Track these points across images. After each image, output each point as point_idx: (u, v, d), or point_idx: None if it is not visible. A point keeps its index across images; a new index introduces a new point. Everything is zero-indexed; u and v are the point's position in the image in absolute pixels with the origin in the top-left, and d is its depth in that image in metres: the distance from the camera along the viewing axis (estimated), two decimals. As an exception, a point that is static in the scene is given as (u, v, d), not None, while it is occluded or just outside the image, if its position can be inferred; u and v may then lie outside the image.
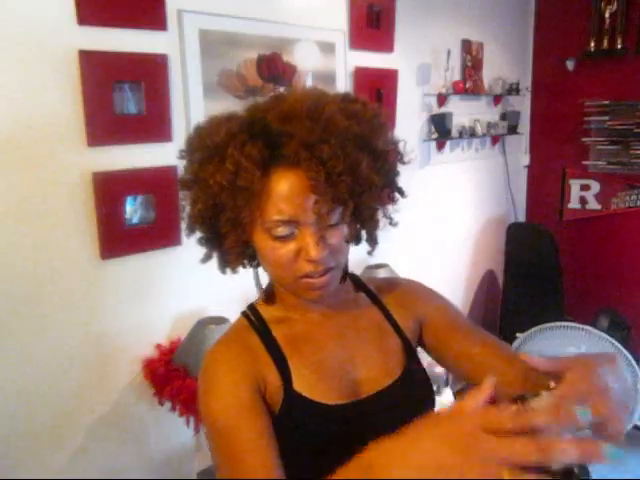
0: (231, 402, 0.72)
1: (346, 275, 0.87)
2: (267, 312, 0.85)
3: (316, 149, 0.68)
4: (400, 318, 0.88)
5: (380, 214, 0.81)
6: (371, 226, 0.80)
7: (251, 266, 0.86)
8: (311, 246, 0.71)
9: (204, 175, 0.71)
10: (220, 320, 1.68)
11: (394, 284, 0.93)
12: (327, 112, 0.72)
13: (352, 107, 0.75)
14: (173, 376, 1.62)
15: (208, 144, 0.71)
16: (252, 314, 0.85)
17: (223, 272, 0.82)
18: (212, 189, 0.71)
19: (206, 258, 0.81)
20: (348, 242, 0.78)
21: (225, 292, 1.91)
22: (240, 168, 0.68)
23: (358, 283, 0.92)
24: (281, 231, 0.71)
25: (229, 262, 0.79)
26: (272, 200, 0.70)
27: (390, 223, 0.84)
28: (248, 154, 0.68)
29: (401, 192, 0.84)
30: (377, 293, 0.90)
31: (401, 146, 0.82)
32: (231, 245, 0.75)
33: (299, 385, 0.77)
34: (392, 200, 0.83)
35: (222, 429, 0.71)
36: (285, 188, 0.70)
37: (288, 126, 0.70)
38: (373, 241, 0.82)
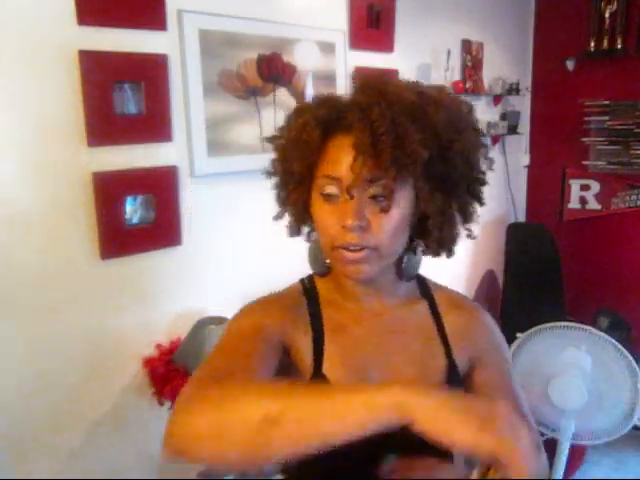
0: (251, 327, 0.77)
1: (407, 274, 0.84)
2: (323, 287, 0.87)
3: (367, 111, 0.71)
4: (456, 346, 0.84)
5: (458, 219, 0.80)
6: (437, 220, 0.77)
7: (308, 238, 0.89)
8: (348, 212, 0.73)
9: (285, 132, 0.81)
10: (220, 320, 1.68)
11: (463, 307, 0.89)
12: (393, 85, 0.76)
13: (425, 90, 0.77)
14: (173, 376, 1.62)
15: (296, 108, 0.81)
16: (308, 283, 0.89)
17: (290, 235, 0.90)
18: (286, 142, 0.80)
19: (277, 217, 0.88)
20: (407, 234, 0.78)
21: (225, 292, 1.91)
22: (306, 124, 0.76)
23: (425, 289, 0.89)
24: (329, 189, 0.75)
25: (292, 223, 0.87)
26: (326, 158, 0.76)
27: (468, 236, 0.84)
28: (315, 114, 0.76)
29: (479, 199, 0.81)
30: (441, 308, 0.87)
31: (483, 149, 0.80)
32: (293, 202, 0.82)
33: (328, 371, 0.78)
34: (468, 203, 0.80)
35: (230, 338, 0.76)
36: (337, 149, 0.75)
37: (356, 96, 0.76)
38: (442, 246, 0.81)
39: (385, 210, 0.73)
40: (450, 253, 0.82)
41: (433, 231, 0.78)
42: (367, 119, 0.70)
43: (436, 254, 0.83)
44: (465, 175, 0.77)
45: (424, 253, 0.85)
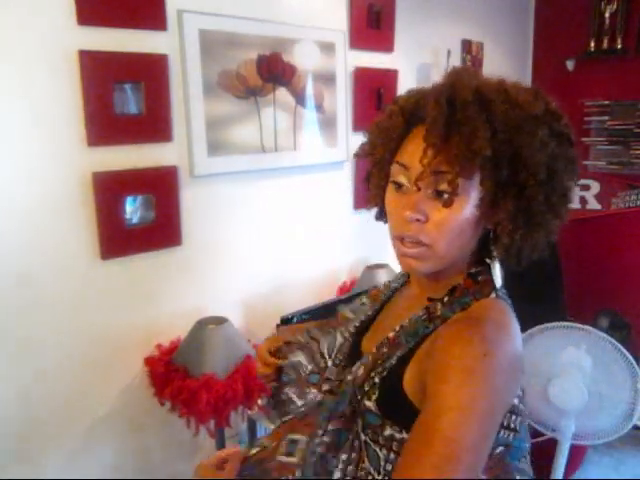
0: None
1: (468, 278, 0.78)
2: None
3: (441, 103, 0.71)
4: (414, 362, 0.74)
5: (536, 230, 0.74)
6: (505, 227, 0.73)
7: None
8: (409, 203, 0.73)
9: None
10: (220, 320, 1.68)
11: (451, 324, 0.74)
12: (474, 79, 0.75)
13: (509, 89, 0.74)
14: (173, 376, 1.62)
15: (394, 98, 0.84)
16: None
17: (375, 219, 0.91)
18: (374, 128, 0.83)
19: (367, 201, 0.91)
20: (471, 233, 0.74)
21: (225, 292, 1.91)
22: (392, 112, 0.80)
23: (464, 305, 0.76)
24: (399, 177, 0.75)
25: (372, 206, 0.88)
26: (403, 147, 0.77)
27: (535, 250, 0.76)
28: (402, 104, 0.79)
29: (556, 213, 0.74)
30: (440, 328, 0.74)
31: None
32: (374, 185, 0.84)
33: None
34: (545, 215, 0.74)
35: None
36: (414, 139, 0.75)
37: (437, 86, 0.76)
38: (510, 255, 0.76)
39: (446, 205, 0.71)
40: (519, 263, 0.78)
41: (501, 237, 0.74)
42: (440, 111, 0.70)
43: (504, 262, 0.80)
44: (542, 184, 0.72)
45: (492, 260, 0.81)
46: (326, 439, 0.76)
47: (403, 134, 0.77)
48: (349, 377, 0.78)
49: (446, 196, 0.71)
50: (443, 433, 0.61)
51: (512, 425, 0.73)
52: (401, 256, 0.77)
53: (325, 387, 0.87)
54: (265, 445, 0.76)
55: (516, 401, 0.73)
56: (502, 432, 0.71)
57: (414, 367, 0.72)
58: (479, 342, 0.67)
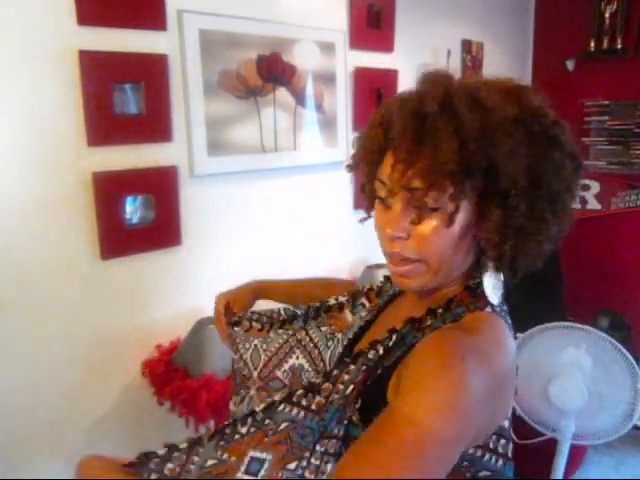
0: None
1: (468, 291, 0.76)
2: None
3: (408, 114, 0.68)
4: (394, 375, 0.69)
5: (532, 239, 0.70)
6: (491, 238, 0.69)
7: None
8: (389, 220, 0.71)
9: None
10: (220, 320, 1.68)
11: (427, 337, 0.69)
12: (446, 83, 0.71)
13: (485, 92, 0.69)
14: (173, 376, 1.62)
15: (382, 104, 0.79)
16: None
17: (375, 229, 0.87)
18: (358, 141, 0.80)
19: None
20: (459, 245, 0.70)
21: (225, 292, 1.91)
22: (374, 122, 0.76)
23: (456, 316, 0.73)
24: (380, 192, 0.73)
25: (366, 212, 0.85)
26: (384, 162, 0.73)
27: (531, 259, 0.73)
28: (383, 113, 0.75)
29: (542, 220, 0.70)
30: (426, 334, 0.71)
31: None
32: (367, 196, 0.81)
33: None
34: (531, 223, 0.69)
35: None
36: (392, 152, 0.71)
37: (406, 93, 0.73)
38: (501, 267, 0.73)
39: (414, 223, 0.68)
40: (515, 274, 0.76)
41: (487, 249, 0.71)
42: (405, 124, 0.67)
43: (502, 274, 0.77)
44: (524, 192, 0.67)
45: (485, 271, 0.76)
46: (315, 461, 0.66)
47: (384, 147, 0.73)
48: (336, 396, 0.68)
49: (429, 210, 0.68)
50: (410, 418, 0.55)
51: (500, 449, 0.68)
52: (394, 275, 0.75)
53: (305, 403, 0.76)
54: (224, 459, 0.68)
55: (506, 424, 0.69)
56: (487, 455, 0.67)
57: (396, 376, 0.68)
58: (465, 346, 0.63)
